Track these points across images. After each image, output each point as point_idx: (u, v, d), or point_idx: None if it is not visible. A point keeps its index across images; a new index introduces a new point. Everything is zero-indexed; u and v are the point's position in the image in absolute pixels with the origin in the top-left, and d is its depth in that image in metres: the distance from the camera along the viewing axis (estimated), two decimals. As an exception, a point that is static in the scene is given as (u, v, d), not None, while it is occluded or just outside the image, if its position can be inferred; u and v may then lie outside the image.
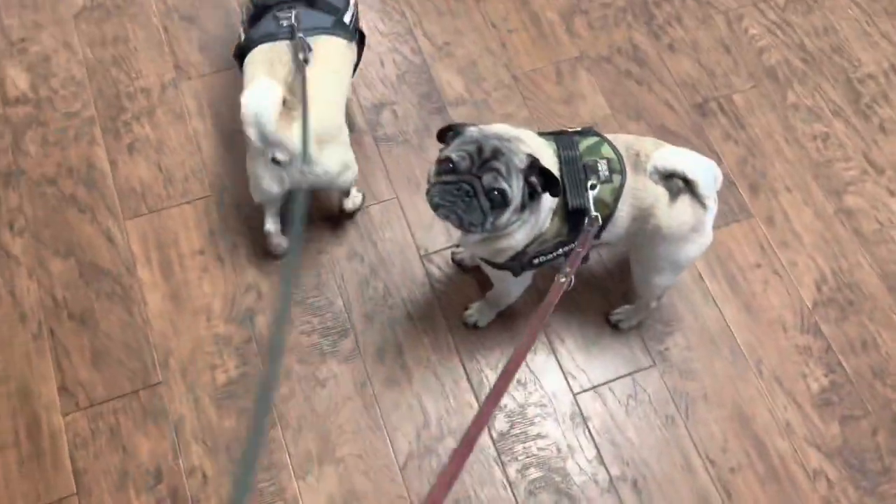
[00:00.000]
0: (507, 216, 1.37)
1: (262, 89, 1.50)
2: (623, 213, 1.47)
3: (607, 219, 1.46)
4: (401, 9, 2.23)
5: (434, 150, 2.00)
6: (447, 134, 1.42)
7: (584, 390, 1.78)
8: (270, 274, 1.85)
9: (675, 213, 1.48)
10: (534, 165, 1.35)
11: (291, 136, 1.53)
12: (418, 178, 1.99)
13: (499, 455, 1.71)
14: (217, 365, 1.76)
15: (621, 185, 1.44)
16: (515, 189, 1.34)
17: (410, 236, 1.92)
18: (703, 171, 1.47)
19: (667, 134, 2.09)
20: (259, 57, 1.60)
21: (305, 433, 1.70)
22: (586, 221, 1.42)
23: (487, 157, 1.34)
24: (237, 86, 1.64)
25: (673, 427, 1.76)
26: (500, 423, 1.74)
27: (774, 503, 1.70)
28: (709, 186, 1.48)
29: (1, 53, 2.08)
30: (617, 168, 1.45)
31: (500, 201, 1.34)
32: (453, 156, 1.35)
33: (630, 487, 1.70)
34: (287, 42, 1.58)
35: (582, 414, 1.76)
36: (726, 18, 2.30)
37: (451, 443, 1.71)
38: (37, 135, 1.99)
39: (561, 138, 1.48)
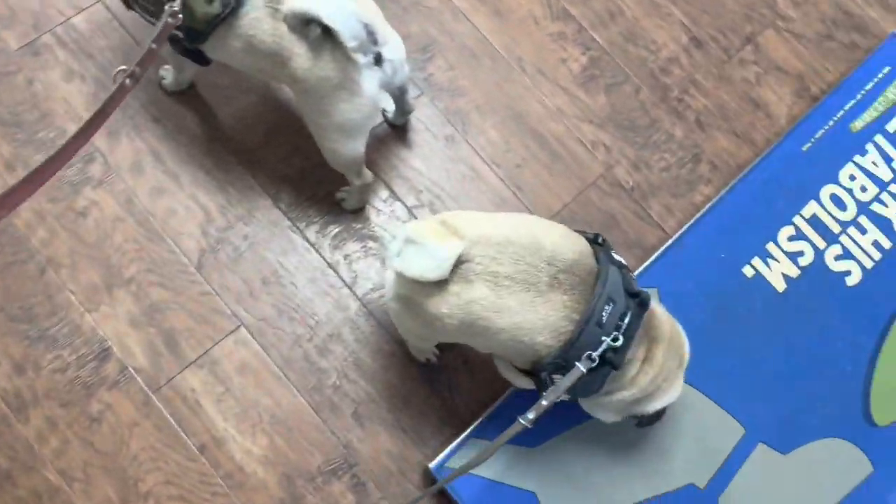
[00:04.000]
0: None
1: None
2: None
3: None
4: None
5: None
6: None
7: (360, 137, 1.74)
8: None
9: (315, 67, 1.35)
10: None
11: None
12: None
13: (294, 223, 1.67)
14: None
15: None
16: None
17: (131, 38, 1.73)
18: (345, 17, 1.28)
19: None
20: None
21: (83, 267, 1.58)
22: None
23: None
24: None
25: (454, 145, 1.77)
26: (286, 194, 1.69)
27: (562, 181, 1.78)
28: (355, 37, 1.30)
29: None
30: None
31: None
32: None
33: (428, 209, 1.72)
34: None
35: (364, 160, 1.72)
36: None
37: (242, 227, 1.65)
38: None
39: None
